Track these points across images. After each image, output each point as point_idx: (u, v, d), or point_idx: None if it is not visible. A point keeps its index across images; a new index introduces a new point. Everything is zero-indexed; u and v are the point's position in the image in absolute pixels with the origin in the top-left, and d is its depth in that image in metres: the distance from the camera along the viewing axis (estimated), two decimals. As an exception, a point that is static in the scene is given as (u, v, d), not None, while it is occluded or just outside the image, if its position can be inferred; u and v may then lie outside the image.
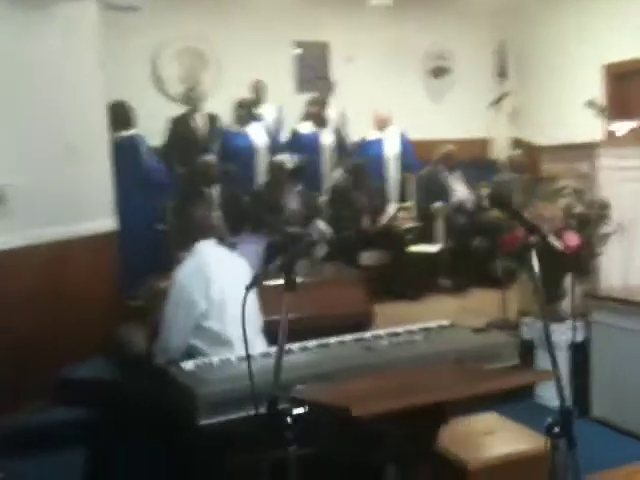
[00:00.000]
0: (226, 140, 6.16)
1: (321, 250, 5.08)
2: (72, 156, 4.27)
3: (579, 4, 7.44)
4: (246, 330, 2.86)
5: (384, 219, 5.69)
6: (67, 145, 4.24)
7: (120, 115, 5.34)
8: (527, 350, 3.77)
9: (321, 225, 1.93)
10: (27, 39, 3.97)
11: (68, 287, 4.17)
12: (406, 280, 5.55)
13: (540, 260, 4.20)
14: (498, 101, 4.65)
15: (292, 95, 7.46)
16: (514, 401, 3.16)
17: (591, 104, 4.45)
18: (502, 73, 8.21)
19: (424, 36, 8.12)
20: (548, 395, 3.69)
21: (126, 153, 5.30)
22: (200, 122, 6.33)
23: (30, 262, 3.93)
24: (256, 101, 6.58)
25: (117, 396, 3.60)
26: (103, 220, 4.58)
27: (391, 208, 5.72)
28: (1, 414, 3.52)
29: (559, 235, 3.58)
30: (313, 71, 7.62)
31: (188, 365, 2.57)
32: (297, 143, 6.47)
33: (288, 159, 5.88)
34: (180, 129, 6.24)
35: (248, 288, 1.85)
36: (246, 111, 6.19)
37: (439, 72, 8.37)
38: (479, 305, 4.89)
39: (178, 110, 6.47)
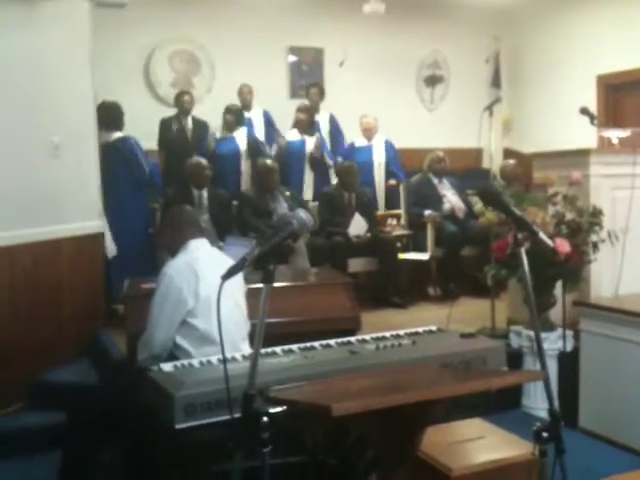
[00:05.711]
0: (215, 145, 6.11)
1: (304, 262, 5.00)
2: (58, 155, 4.20)
3: (573, 15, 7.46)
4: (230, 328, 2.83)
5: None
6: (53, 144, 4.17)
7: (113, 115, 5.26)
8: (515, 359, 3.71)
9: (302, 213, 1.85)
10: (11, 35, 3.90)
11: (50, 289, 4.09)
12: (395, 288, 5.48)
13: (530, 268, 4.14)
14: (491, 106, 4.60)
15: (286, 100, 7.44)
16: (500, 411, 3.10)
17: (585, 111, 4.41)
18: (496, 83, 8.23)
19: (419, 45, 8.15)
20: (535, 405, 3.63)
21: (122, 154, 5.23)
22: (190, 125, 6.27)
23: (10, 263, 3.84)
24: (243, 106, 6.53)
25: (95, 400, 3.52)
26: (89, 222, 4.51)
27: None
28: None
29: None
30: (307, 77, 7.59)
31: (167, 367, 2.51)
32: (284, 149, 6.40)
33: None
34: (169, 131, 6.17)
35: (224, 278, 1.78)
36: (234, 116, 6.12)
37: (433, 81, 8.37)
38: (468, 314, 4.83)
39: (169, 113, 6.43)
